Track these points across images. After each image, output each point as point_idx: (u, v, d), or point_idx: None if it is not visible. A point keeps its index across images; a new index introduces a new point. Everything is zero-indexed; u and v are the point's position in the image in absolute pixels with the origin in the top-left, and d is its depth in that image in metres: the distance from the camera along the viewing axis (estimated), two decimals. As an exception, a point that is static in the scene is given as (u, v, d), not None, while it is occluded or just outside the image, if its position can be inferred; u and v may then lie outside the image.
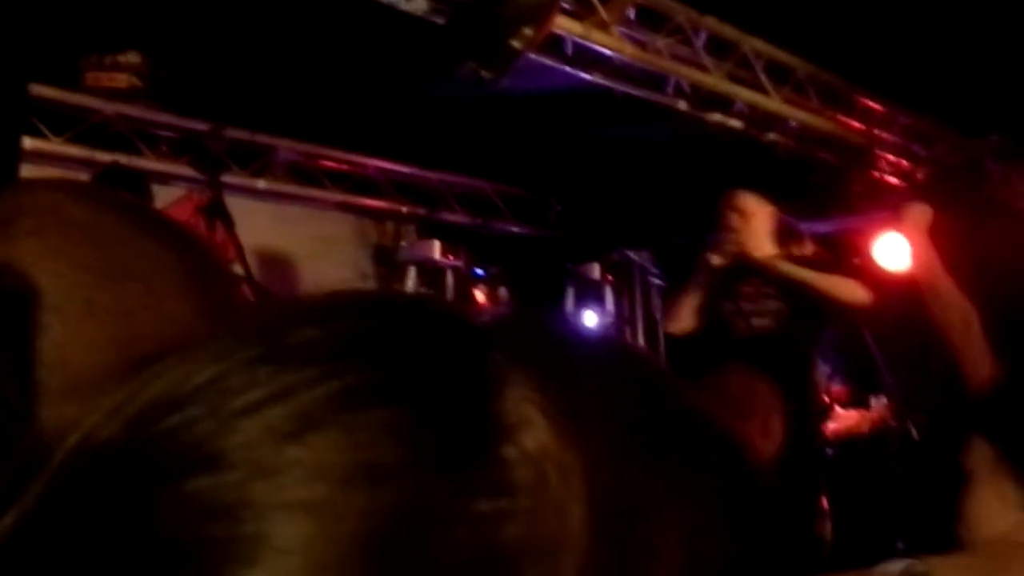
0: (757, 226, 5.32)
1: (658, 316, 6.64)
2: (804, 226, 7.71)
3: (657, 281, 6.89)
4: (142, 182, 4.41)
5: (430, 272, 7.82)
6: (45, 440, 0.67)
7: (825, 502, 5.33)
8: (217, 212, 4.10)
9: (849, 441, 6.42)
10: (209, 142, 6.12)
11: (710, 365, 4.33)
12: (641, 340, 8.34)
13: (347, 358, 0.40)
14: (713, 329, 5.13)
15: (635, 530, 0.40)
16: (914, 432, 5.96)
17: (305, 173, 7.35)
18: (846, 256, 7.05)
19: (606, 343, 0.48)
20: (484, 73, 4.47)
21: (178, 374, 0.41)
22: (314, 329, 0.41)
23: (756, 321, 5.09)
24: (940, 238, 6.99)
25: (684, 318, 5.23)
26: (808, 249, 5.42)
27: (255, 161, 7.02)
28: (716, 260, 5.20)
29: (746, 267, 5.22)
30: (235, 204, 5.63)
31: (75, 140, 6.24)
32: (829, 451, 5.77)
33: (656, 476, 0.41)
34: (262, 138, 6.89)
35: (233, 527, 0.36)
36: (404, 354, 0.41)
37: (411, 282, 7.70)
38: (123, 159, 6.41)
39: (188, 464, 0.38)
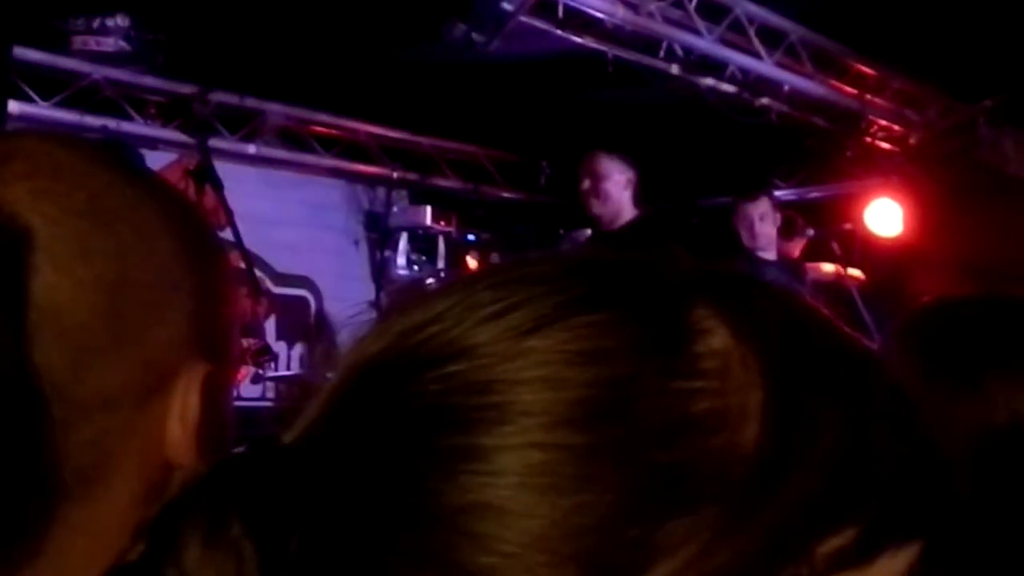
0: (610, 190, 5.36)
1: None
2: (798, 192, 7.74)
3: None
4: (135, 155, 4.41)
5: (422, 238, 7.80)
6: (37, 384, 0.68)
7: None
8: (206, 176, 4.07)
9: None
10: (196, 106, 6.08)
11: None
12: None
13: (567, 280, 0.52)
14: None
15: (800, 417, 0.49)
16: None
17: (295, 138, 7.32)
18: (838, 222, 7.06)
19: (769, 285, 0.57)
20: (475, 36, 4.44)
21: (427, 303, 0.53)
22: (530, 266, 0.54)
23: None
24: (933, 204, 7.03)
25: None
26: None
27: (245, 126, 6.99)
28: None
29: (600, 235, 5.29)
30: (225, 169, 5.60)
31: (63, 104, 6.21)
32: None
33: (816, 378, 0.51)
34: (252, 102, 6.86)
35: (486, 397, 0.48)
36: (615, 276, 0.53)
37: (402, 248, 7.69)
38: (111, 124, 6.38)
39: (447, 356, 0.49)
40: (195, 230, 0.80)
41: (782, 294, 0.56)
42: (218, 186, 4.09)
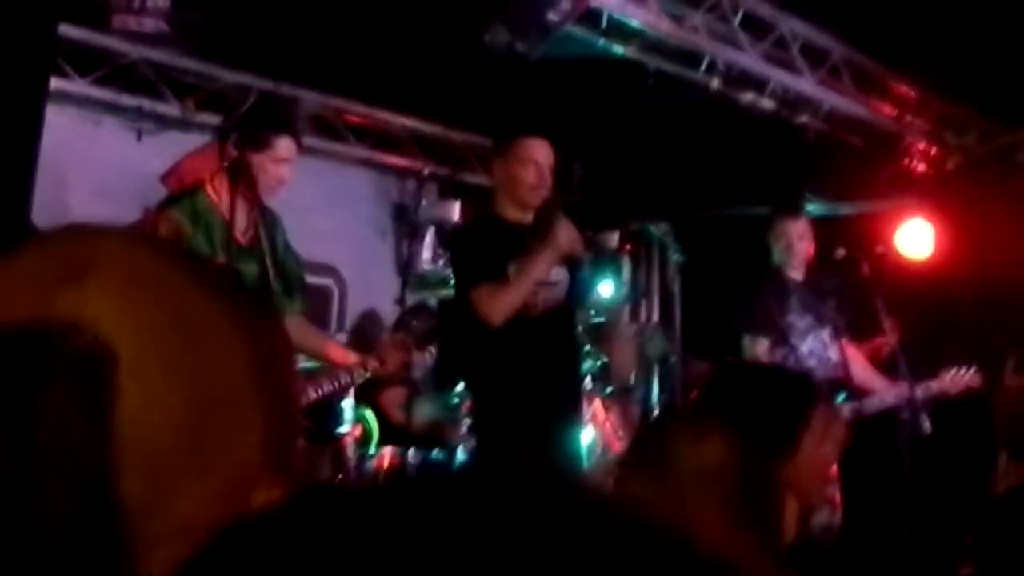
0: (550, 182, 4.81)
1: (675, 290, 6.56)
2: (828, 207, 7.68)
3: (676, 257, 6.81)
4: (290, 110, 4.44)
5: (448, 232, 7.76)
6: (119, 512, 0.68)
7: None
8: (240, 171, 4.07)
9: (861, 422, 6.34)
10: (234, 95, 6.06)
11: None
12: (656, 314, 8.30)
13: None
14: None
15: None
16: (926, 426, 5.91)
17: (328, 126, 7.28)
18: (868, 240, 7.00)
19: None
20: (519, 44, 4.39)
21: None
22: None
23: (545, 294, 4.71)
24: (967, 229, 6.98)
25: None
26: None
27: (278, 112, 6.95)
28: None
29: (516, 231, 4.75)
30: (256, 155, 5.58)
31: (99, 82, 6.19)
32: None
33: None
34: (286, 89, 6.82)
35: None
36: None
37: (429, 242, 7.66)
38: (146, 104, 6.38)
39: None
40: (268, 339, 0.79)
41: None
42: (251, 183, 4.09)
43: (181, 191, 4.56)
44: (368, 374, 4.49)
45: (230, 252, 4.10)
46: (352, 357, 4.25)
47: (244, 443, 0.73)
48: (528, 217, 4.82)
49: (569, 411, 4.91)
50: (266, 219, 4.31)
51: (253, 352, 0.76)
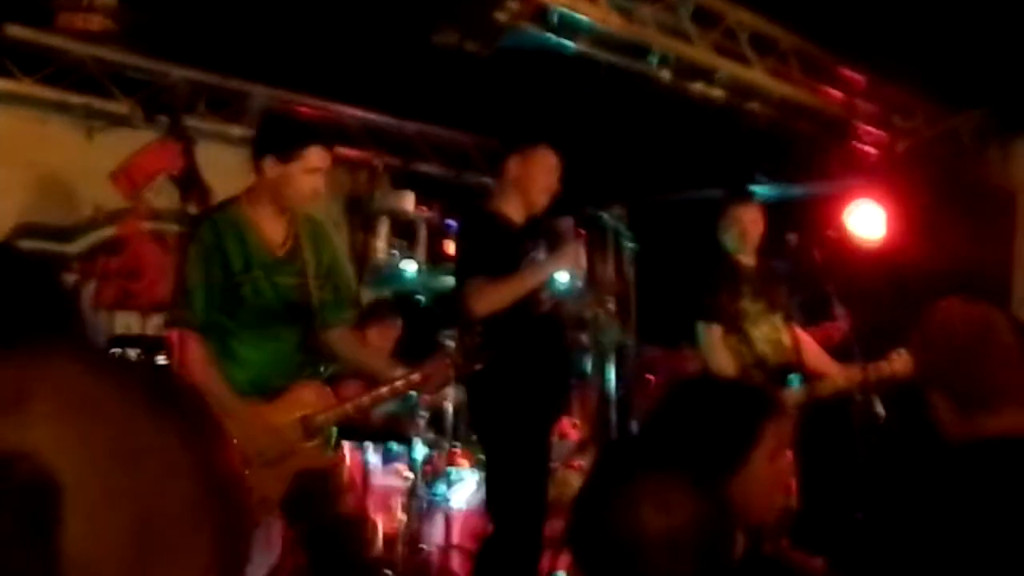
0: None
1: (629, 277, 6.59)
2: (780, 189, 7.73)
3: (630, 244, 6.83)
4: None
5: (403, 223, 7.74)
6: None
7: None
8: (192, 182, 4.02)
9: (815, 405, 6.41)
10: (179, 89, 6.00)
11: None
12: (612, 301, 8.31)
13: None
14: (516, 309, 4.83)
15: None
16: (879, 409, 5.97)
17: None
18: (819, 222, 7.06)
19: None
20: (469, 45, 4.38)
21: None
22: None
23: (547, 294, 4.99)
24: (917, 210, 7.05)
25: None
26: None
27: (228, 106, 6.91)
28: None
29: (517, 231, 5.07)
30: (207, 150, 5.53)
31: (46, 81, 6.12)
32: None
33: None
34: (236, 83, 6.77)
35: None
36: None
37: (383, 232, 7.64)
38: (95, 102, 6.32)
39: None
40: (218, 457, 0.78)
41: None
42: (203, 192, 4.03)
43: (214, 205, 4.42)
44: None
45: (265, 265, 4.05)
46: (396, 371, 4.22)
47: (191, 564, 0.73)
48: (524, 218, 5.08)
49: (562, 404, 5.28)
50: (308, 230, 4.24)
51: (201, 468, 0.75)
